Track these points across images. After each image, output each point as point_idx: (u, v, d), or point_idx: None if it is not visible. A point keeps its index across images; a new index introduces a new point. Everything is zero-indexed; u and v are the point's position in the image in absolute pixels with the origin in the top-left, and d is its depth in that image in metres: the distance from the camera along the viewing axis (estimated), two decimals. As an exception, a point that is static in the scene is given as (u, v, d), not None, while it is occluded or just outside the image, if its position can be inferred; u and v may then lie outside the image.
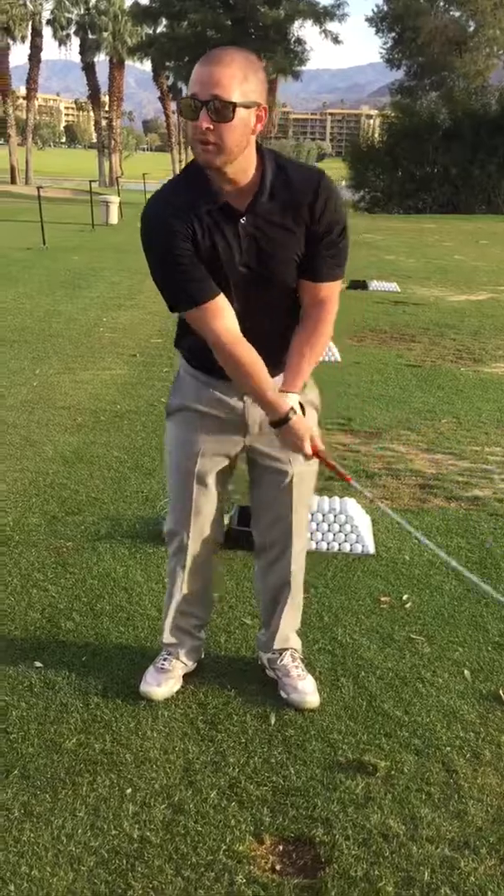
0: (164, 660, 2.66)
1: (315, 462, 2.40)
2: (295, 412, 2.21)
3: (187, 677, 2.67)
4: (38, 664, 2.76)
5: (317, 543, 3.66)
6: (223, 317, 2.14)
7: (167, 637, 2.65)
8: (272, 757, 2.36)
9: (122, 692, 2.62)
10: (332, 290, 2.24)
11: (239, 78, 1.92)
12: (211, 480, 2.44)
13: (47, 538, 3.70)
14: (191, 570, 2.57)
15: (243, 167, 2.05)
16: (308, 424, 2.24)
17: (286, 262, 2.15)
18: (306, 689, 2.59)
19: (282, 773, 2.29)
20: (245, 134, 1.98)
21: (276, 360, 2.26)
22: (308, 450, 2.23)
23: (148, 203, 2.15)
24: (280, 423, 2.21)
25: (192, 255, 2.09)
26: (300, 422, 2.21)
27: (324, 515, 3.70)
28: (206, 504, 2.48)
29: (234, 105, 1.92)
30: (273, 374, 2.24)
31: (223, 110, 1.92)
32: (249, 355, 2.16)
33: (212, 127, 1.94)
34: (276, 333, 2.26)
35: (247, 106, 1.95)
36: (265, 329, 2.22)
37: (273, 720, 2.51)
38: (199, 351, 2.27)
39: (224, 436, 2.39)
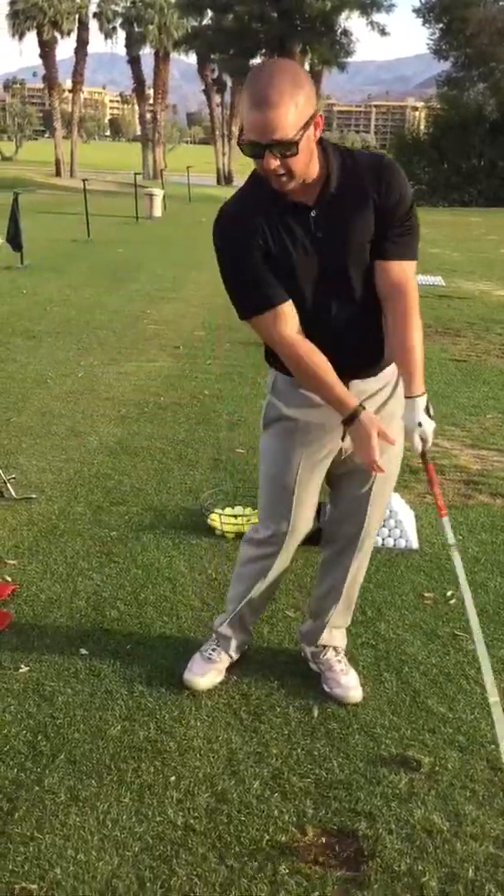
0: (213, 650, 2.67)
1: (396, 467, 2.42)
2: (363, 408, 2.17)
3: (230, 668, 2.68)
4: (83, 651, 2.79)
5: (360, 538, 3.65)
6: (286, 322, 2.14)
7: (225, 629, 2.66)
8: (315, 749, 2.36)
9: (165, 681, 2.64)
10: (403, 272, 2.15)
11: (292, 112, 1.89)
12: (309, 491, 2.42)
13: (92, 528, 3.74)
14: (274, 578, 2.57)
15: (310, 171, 2.04)
16: (378, 422, 2.18)
17: (361, 251, 2.12)
18: (349, 684, 2.59)
19: (325, 765, 2.30)
20: (309, 150, 1.98)
21: (362, 362, 2.25)
22: (374, 455, 2.16)
23: (220, 211, 2.16)
24: (350, 419, 2.17)
25: (261, 261, 2.10)
26: (369, 418, 2.17)
27: (367, 510, 3.68)
28: (302, 515, 2.46)
29: (296, 141, 1.92)
30: (358, 375, 2.25)
31: (287, 149, 1.92)
32: (313, 355, 2.15)
33: (280, 164, 1.95)
34: (360, 334, 2.22)
35: (305, 128, 1.93)
36: (349, 330, 2.20)
37: (316, 713, 2.51)
38: None
39: (321, 442, 2.35)
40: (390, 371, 2.34)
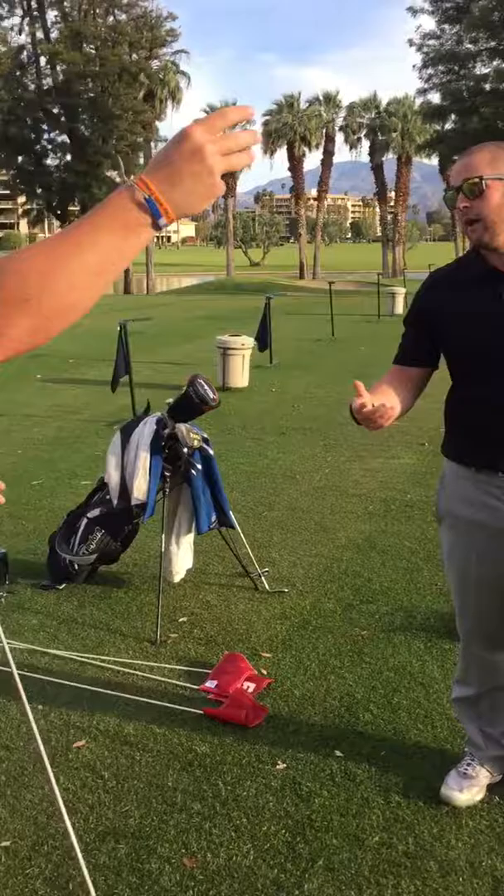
0: (468, 765, 2.57)
1: None
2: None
3: (493, 787, 2.55)
4: (338, 753, 2.78)
5: None
6: (395, 378, 2.38)
7: (473, 735, 2.57)
8: None
9: (422, 794, 2.55)
10: None
11: (487, 159, 2.07)
12: (491, 587, 2.34)
13: (343, 625, 3.76)
14: (480, 673, 2.50)
15: None
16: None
17: None
18: None
19: None
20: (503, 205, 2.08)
21: None
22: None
23: None
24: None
25: (416, 325, 2.37)
26: None
27: None
28: (488, 609, 2.38)
29: (482, 178, 2.05)
30: None
31: (473, 187, 2.07)
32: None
33: (469, 205, 2.08)
34: None
35: (499, 178, 2.06)
36: None
37: None
38: (457, 432, 2.37)
39: (495, 543, 2.27)
40: None
